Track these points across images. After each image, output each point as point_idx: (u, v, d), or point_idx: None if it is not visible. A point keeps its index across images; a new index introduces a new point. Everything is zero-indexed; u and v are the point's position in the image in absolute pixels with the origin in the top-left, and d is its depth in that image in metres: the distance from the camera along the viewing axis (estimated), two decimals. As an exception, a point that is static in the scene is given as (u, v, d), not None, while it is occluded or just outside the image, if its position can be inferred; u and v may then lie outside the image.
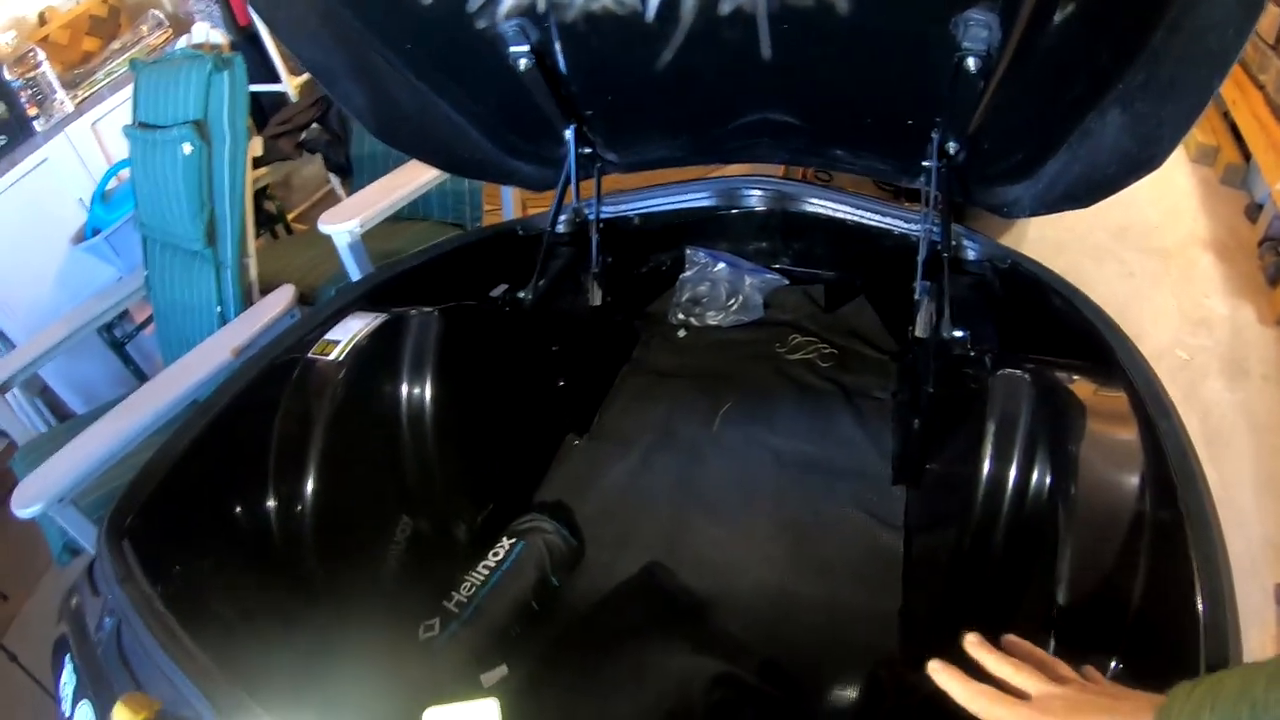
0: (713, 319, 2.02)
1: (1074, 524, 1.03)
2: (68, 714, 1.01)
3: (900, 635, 1.37)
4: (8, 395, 2.18)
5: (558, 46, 1.30)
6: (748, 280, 2.01)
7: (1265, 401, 2.42)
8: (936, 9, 1.06)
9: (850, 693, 1.28)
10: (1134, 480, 1.03)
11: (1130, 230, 3.13)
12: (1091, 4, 0.99)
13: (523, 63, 1.32)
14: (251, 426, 1.28)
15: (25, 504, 1.54)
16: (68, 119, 2.73)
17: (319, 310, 1.47)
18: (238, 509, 1.25)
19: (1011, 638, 0.85)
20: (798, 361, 1.92)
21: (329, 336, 1.38)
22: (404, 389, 1.44)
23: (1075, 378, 1.17)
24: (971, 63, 1.09)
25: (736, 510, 1.61)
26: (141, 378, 2.62)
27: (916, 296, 1.49)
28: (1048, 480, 1.12)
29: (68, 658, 1.04)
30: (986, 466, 1.17)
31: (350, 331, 1.38)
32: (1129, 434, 1.07)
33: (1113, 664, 0.93)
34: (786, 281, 2.04)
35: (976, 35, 1.06)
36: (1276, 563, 1.94)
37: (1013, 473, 1.15)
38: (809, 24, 1.14)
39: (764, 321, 2.01)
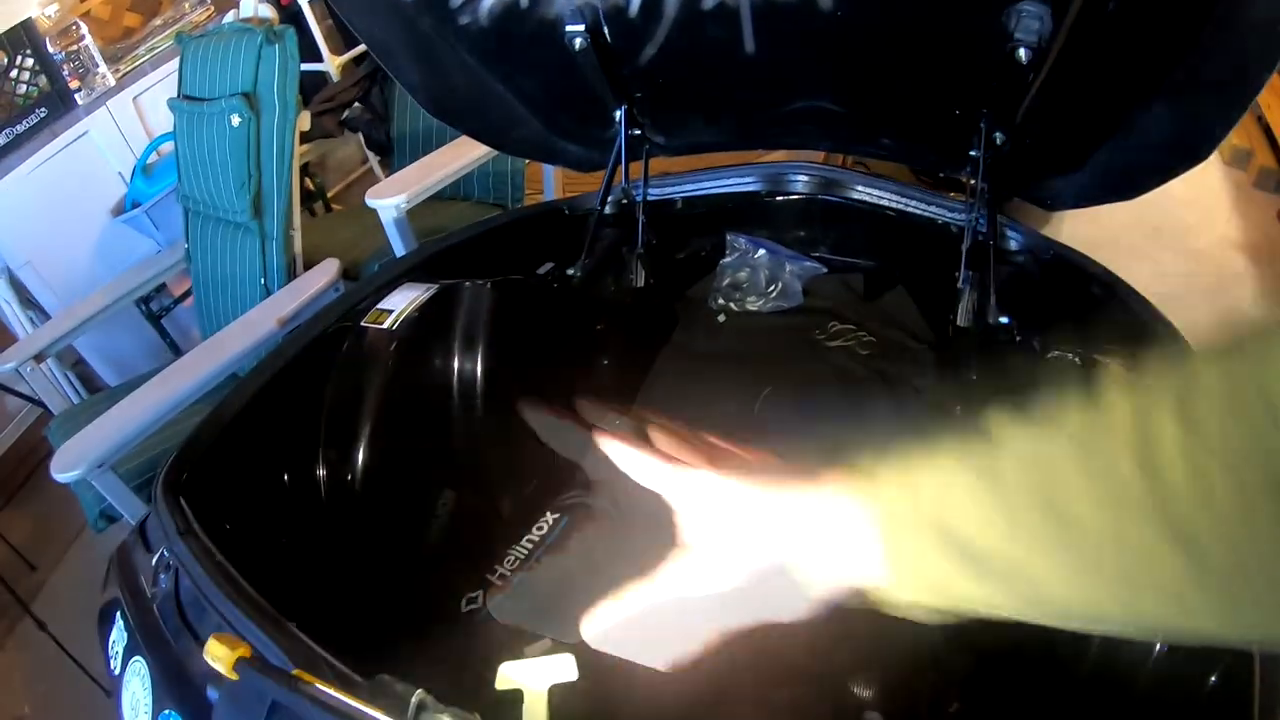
0: (752, 305, 2.02)
1: None
2: (117, 671, 1.02)
3: (945, 640, 1.36)
4: (43, 365, 2.20)
5: (613, 28, 1.31)
6: (787, 267, 2.01)
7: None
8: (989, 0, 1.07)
9: (889, 673, 1.27)
10: None
11: (1163, 231, 3.11)
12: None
13: (578, 42, 1.32)
14: (304, 392, 1.30)
15: (65, 468, 1.55)
16: (109, 93, 2.76)
17: (371, 280, 1.48)
18: (288, 473, 1.26)
19: None
20: (837, 349, 1.91)
21: (382, 305, 1.39)
22: (455, 360, 1.45)
23: (1124, 365, 1.18)
24: (1022, 53, 1.09)
25: (777, 490, 1.60)
26: (177, 351, 2.64)
27: (960, 285, 1.49)
28: None
29: (118, 615, 1.05)
30: None
31: (404, 301, 1.39)
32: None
33: (1156, 647, 0.94)
34: (825, 270, 2.03)
35: (1028, 26, 1.06)
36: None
37: None
38: (864, 12, 1.15)
39: (803, 308, 2.00)
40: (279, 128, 1.93)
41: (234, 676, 0.74)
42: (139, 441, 1.64)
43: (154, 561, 1.05)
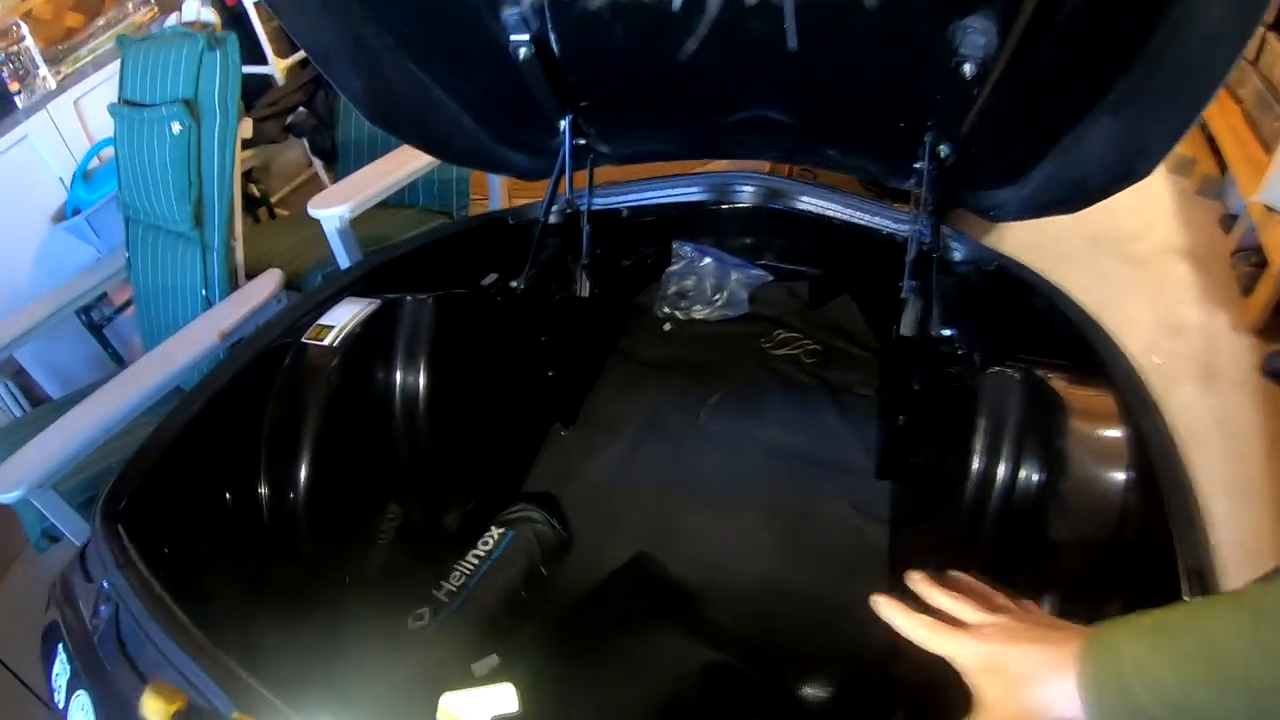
0: (698, 313, 2.04)
1: (1062, 519, 1.06)
2: (61, 704, 1.00)
3: (886, 627, 1.38)
4: (-14, 376, 2.15)
5: (557, 36, 1.31)
6: (733, 275, 2.04)
7: (1237, 407, 2.47)
8: (935, 15, 1.09)
9: (836, 681, 1.31)
10: (1120, 476, 1.06)
11: (1106, 238, 3.19)
12: (1088, 15, 1.01)
13: (522, 51, 1.33)
14: (245, 411, 1.28)
15: (7, 488, 1.52)
16: (50, 96, 2.68)
17: (312, 294, 1.47)
18: (231, 494, 1.25)
19: (954, 573, 0.87)
20: (783, 357, 1.95)
21: (323, 321, 1.38)
22: (398, 375, 1.45)
23: (1062, 377, 1.20)
24: (967, 69, 1.11)
25: (724, 501, 1.63)
26: (119, 361, 2.59)
27: (904, 295, 1.51)
28: (1035, 476, 1.15)
29: (60, 646, 1.03)
30: (976, 462, 1.19)
31: (345, 316, 1.38)
32: (1116, 431, 1.10)
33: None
34: (771, 277, 2.06)
35: (974, 42, 1.08)
36: (1247, 565, 1.98)
37: (1001, 469, 1.18)
38: (810, 23, 1.16)
39: (749, 316, 2.03)
40: (220, 136, 1.90)
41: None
42: (79, 462, 1.61)
43: (95, 592, 1.03)
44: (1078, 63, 1.12)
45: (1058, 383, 1.18)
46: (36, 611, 2.19)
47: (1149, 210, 3.36)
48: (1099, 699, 0.61)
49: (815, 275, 2.04)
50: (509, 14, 1.28)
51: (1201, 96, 0.98)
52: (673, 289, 2.06)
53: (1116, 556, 1.02)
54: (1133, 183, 1.14)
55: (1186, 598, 0.88)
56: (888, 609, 0.80)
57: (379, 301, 1.44)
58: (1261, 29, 3.01)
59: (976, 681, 0.71)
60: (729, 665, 1.29)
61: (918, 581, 0.85)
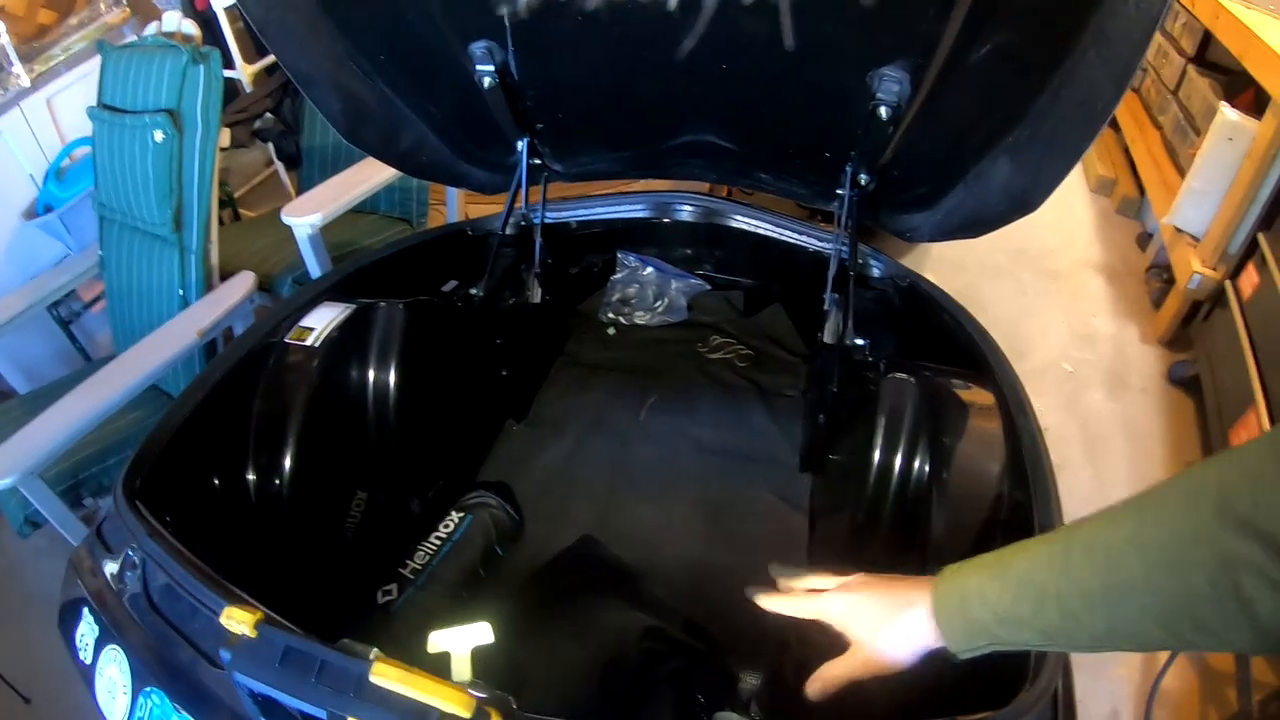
0: (640, 319, 2.19)
1: (946, 503, 1.23)
2: (88, 661, 1.12)
3: None
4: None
5: (518, 67, 1.43)
6: (673, 284, 2.18)
7: (1142, 412, 2.66)
8: (856, 63, 1.22)
9: (761, 649, 1.46)
10: (996, 467, 1.24)
11: (1028, 252, 3.36)
12: (988, 72, 1.16)
13: (487, 81, 1.44)
14: (237, 404, 1.41)
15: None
16: (23, 93, 2.72)
17: (293, 299, 1.59)
18: (225, 478, 1.38)
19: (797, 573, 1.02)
20: (718, 360, 2.10)
21: (304, 323, 1.51)
22: (371, 373, 1.58)
23: (954, 382, 1.38)
24: (883, 111, 1.25)
25: (661, 491, 1.79)
26: (85, 356, 2.66)
27: (826, 307, 1.67)
28: (927, 468, 1.32)
29: (85, 610, 1.15)
30: (876, 456, 1.36)
31: (323, 320, 1.52)
32: (994, 429, 1.28)
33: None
34: (709, 287, 2.22)
35: (889, 89, 1.22)
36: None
37: (898, 461, 1.35)
38: (748, 64, 1.30)
39: (688, 323, 2.19)
40: (201, 146, 2.00)
41: (254, 635, 0.88)
42: (62, 453, 1.70)
43: (119, 562, 1.16)
44: (980, 108, 1.27)
45: (947, 386, 1.36)
46: (7, 601, 2.26)
47: (1071, 226, 3.54)
48: (947, 617, 0.77)
49: (749, 285, 2.20)
50: (476, 46, 1.39)
51: (1083, 141, 1.15)
52: (617, 296, 2.21)
53: (991, 534, 1.20)
54: (1026, 213, 1.31)
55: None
56: (763, 600, 0.99)
57: (354, 306, 1.58)
58: (1183, 61, 3.21)
59: (845, 629, 0.87)
60: (665, 631, 1.44)
61: (780, 584, 1.02)
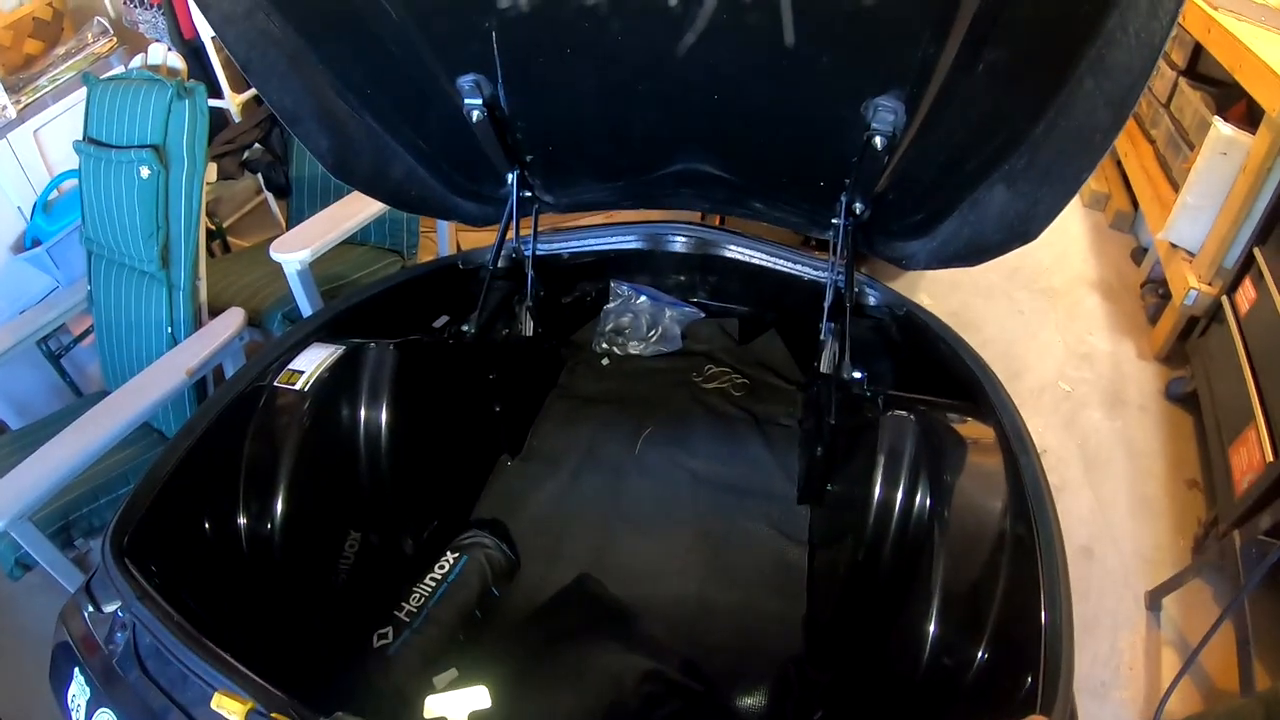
0: (634, 348, 2.18)
1: (947, 539, 1.22)
2: None
3: (804, 637, 1.54)
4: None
5: (507, 100, 1.42)
6: (667, 313, 2.17)
7: (1141, 430, 2.64)
8: (850, 92, 1.22)
9: (761, 688, 1.45)
10: (997, 504, 1.23)
11: (1022, 271, 3.35)
12: (983, 101, 1.16)
13: (475, 114, 1.44)
14: (226, 450, 1.39)
15: None
16: (10, 125, 2.71)
17: (281, 340, 1.57)
18: (216, 525, 1.35)
19: None
20: (713, 390, 2.09)
21: (293, 366, 1.50)
22: (362, 415, 1.56)
23: (953, 416, 1.36)
24: (878, 141, 1.24)
25: (658, 525, 1.77)
26: (76, 390, 2.63)
27: (822, 337, 1.66)
28: (928, 503, 1.30)
29: (76, 670, 1.13)
30: (877, 492, 1.34)
31: (313, 362, 1.50)
32: (994, 465, 1.27)
33: (979, 654, 1.12)
34: (703, 315, 2.20)
35: (884, 119, 1.22)
36: (1146, 574, 2.14)
37: (898, 497, 1.33)
38: (743, 92, 1.29)
39: (682, 352, 2.17)
40: (188, 181, 1.98)
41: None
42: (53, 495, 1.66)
43: (110, 620, 1.14)
44: (976, 138, 1.26)
45: (946, 421, 1.35)
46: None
47: (1065, 243, 3.53)
48: None
49: (744, 313, 2.18)
50: (463, 80, 1.39)
51: (1082, 171, 1.14)
52: (610, 326, 2.19)
53: (994, 569, 1.19)
54: (1024, 243, 1.30)
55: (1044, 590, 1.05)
56: None
57: (344, 347, 1.56)
58: (1174, 74, 3.20)
59: None
60: (664, 674, 1.43)
61: None
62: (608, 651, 1.48)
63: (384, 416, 1.57)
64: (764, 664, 1.49)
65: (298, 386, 1.46)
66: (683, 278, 2.16)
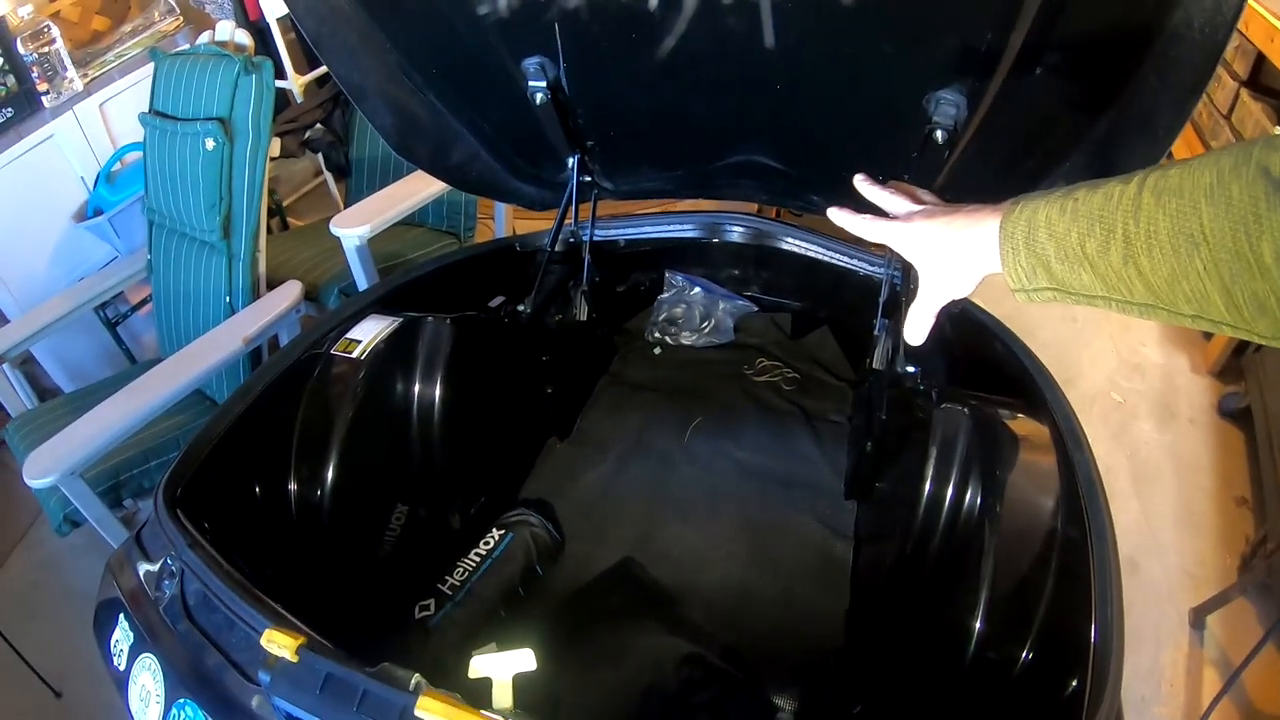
0: (686, 339, 2.18)
1: (997, 535, 1.20)
2: (122, 667, 1.12)
3: (846, 631, 1.54)
4: (2, 367, 2.24)
5: (570, 84, 1.43)
6: (720, 305, 2.17)
7: (1190, 443, 2.59)
8: (912, 86, 1.21)
9: (801, 678, 1.45)
10: (1049, 502, 1.21)
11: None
12: (1046, 95, 1.14)
13: (539, 97, 1.44)
14: (280, 414, 1.41)
15: (40, 474, 1.60)
16: (77, 97, 2.76)
17: (339, 310, 1.60)
18: (264, 489, 1.38)
19: (891, 182, 1.02)
20: (763, 383, 2.08)
21: (350, 335, 1.51)
22: (416, 387, 1.58)
23: (1007, 413, 1.35)
24: (939, 134, 1.23)
25: (703, 513, 1.77)
26: (131, 357, 2.69)
27: (875, 333, 1.65)
28: (978, 500, 1.29)
29: (121, 616, 1.15)
30: (927, 487, 1.33)
31: (370, 332, 1.51)
32: (1048, 464, 1.25)
33: (1024, 654, 1.11)
34: (756, 308, 2.20)
35: (945, 112, 1.20)
36: (1191, 590, 2.11)
37: (949, 493, 1.32)
38: (802, 84, 1.28)
39: (734, 344, 2.17)
40: (252, 155, 2.01)
41: (295, 659, 0.87)
42: (105, 453, 1.71)
43: (157, 569, 1.16)
44: (1037, 133, 1.25)
45: (1000, 418, 1.33)
46: (37, 596, 2.28)
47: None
48: (1011, 243, 0.73)
49: (796, 308, 2.18)
50: (529, 62, 1.39)
51: (1143, 167, 1.11)
52: (663, 315, 2.19)
53: (1044, 569, 1.17)
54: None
55: (1095, 592, 1.04)
56: (837, 214, 0.97)
57: (402, 319, 1.57)
58: (1236, 84, 3.14)
59: (911, 254, 0.87)
60: (703, 658, 1.43)
61: (859, 182, 1.02)
62: (649, 633, 1.48)
63: (438, 390, 1.58)
64: (804, 655, 1.49)
65: (354, 355, 1.48)
66: (737, 270, 2.16)
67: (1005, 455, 1.28)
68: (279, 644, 0.86)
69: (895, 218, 0.91)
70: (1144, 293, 0.64)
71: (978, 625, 1.16)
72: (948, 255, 0.82)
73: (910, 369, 1.55)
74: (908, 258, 0.87)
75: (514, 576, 1.53)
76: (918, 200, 0.93)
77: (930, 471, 1.33)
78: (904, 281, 1.61)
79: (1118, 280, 0.65)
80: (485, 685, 0.88)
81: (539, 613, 1.54)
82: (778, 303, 2.18)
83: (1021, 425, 1.33)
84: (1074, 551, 1.14)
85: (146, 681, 1.07)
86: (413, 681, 0.82)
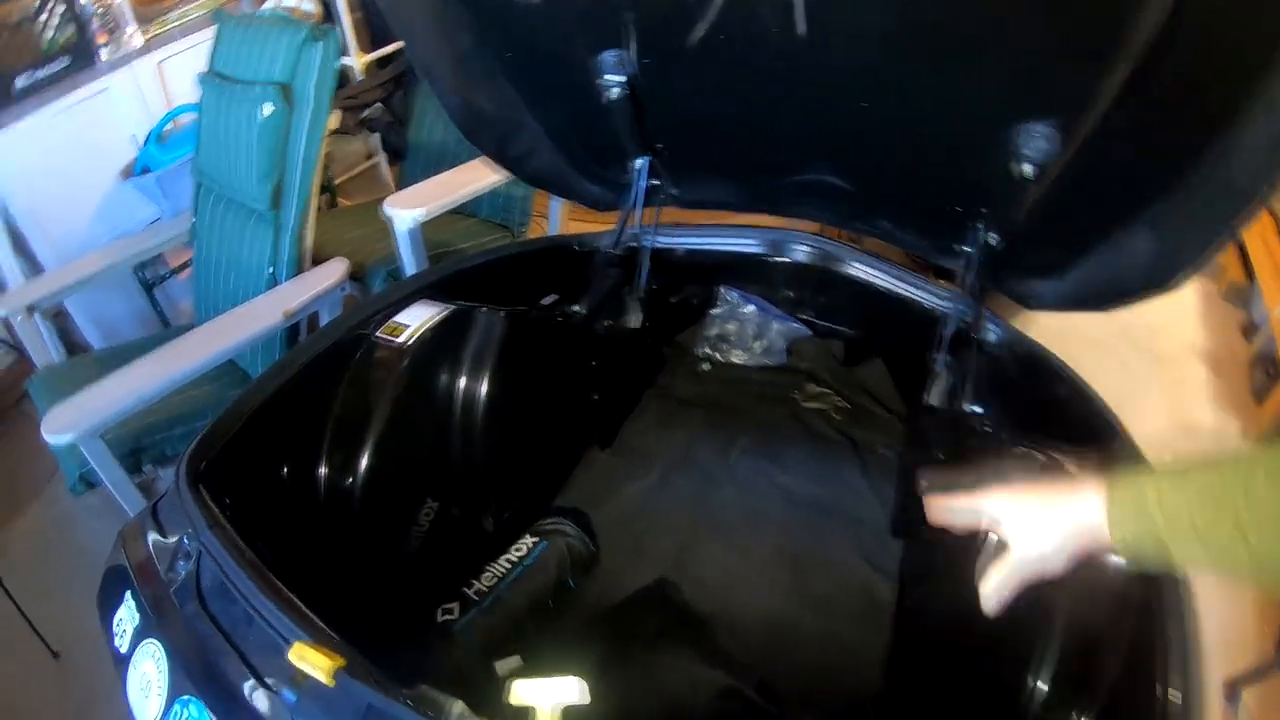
0: (736, 357, 2.12)
1: (1065, 594, 1.11)
2: (124, 650, 1.05)
3: (885, 675, 1.46)
4: (34, 317, 2.20)
5: (646, 83, 1.38)
6: (774, 325, 2.10)
7: (1237, 511, 2.51)
8: (1004, 116, 1.14)
9: (835, 715, 1.38)
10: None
11: (1132, 329, 3.20)
12: (1146, 133, 1.07)
13: (614, 92, 1.39)
14: (316, 395, 1.35)
15: (59, 431, 1.54)
16: (135, 54, 2.74)
17: (387, 293, 1.54)
18: (293, 471, 1.32)
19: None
20: (813, 410, 2.02)
21: (398, 319, 1.45)
22: (462, 380, 1.52)
23: (1082, 465, 1.26)
24: (1027, 169, 1.16)
25: (744, 538, 1.71)
26: (165, 322, 2.67)
27: (936, 368, 1.58)
28: None
29: (129, 594, 1.08)
30: (993, 538, 1.25)
31: (419, 318, 1.45)
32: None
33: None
34: (810, 332, 2.12)
35: (1037, 146, 1.13)
36: (1228, 658, 2.01)
37: None
38: (887, 104, 1.22)
39: (784, 367, 2.09)
40: (310, 124, 1.95)
41: (331, 684, 0.80)
42: (128, 416, 1.65)
43: (172, 546, 1.09)
44: (1126, 175, 1.17)
45: (1079, 470, 1.25)
46: (46, 556, 2.24)
47: (1176, 308, 3.38)
48: (1120, 510, 0.76)
49: (851, 336, 2.10)
50: (606, 55, 1.34)
51: (1240, 219, 1.04)
52: (715, 331, 2.13)
53: (1114, 628, 1.10)
54: (1163, 293, 1.22)
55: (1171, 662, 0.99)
56: (931, 501, 0.99)
57: (453, 308, 1.51)
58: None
59: (1001, 526, 0.87)
60: (741, 692, 1.36)
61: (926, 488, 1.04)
62: (684, 661, 1.41)
63: (484, 385, 1.52)
64: (841, 698, 1.42)
65: (400, 340, 1.42)
66: (793, 292, 2.08)
67: None
68: (313, 664, 0.79)
69: (986, 495, 0.92)
70: (1248, 562, 0.67)
71: (1037, 684, 1.09)
72: (1046, 530, 0.83)
73: (977, 409, 1.48)
74: (1002, 532, 0.88)
75: (545, 587, 1.46)
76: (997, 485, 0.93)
77: None
78: (976, 318, 1.54)
79: (1224, 550, 0.69)
80: (526, 714, 0.80)
81: (568, 627, 1.48)
82: (832, 328, 2.11)
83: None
84: (1146, 619, 1.05)
85: (149, 670, 1.00)
86: (456, 711, 0.75)
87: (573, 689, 0.80)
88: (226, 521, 1.06)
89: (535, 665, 1.37)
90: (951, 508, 0.95)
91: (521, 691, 0.81)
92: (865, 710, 1.38)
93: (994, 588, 0.89)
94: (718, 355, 2.13)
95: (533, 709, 0.79)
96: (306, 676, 0.80)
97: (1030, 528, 0.84)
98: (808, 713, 1.38)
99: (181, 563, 1.06)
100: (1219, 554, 0.69)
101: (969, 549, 1.24)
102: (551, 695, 0.80)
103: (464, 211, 2.56)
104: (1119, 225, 1.25)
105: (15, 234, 2.57)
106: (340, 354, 1.40)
